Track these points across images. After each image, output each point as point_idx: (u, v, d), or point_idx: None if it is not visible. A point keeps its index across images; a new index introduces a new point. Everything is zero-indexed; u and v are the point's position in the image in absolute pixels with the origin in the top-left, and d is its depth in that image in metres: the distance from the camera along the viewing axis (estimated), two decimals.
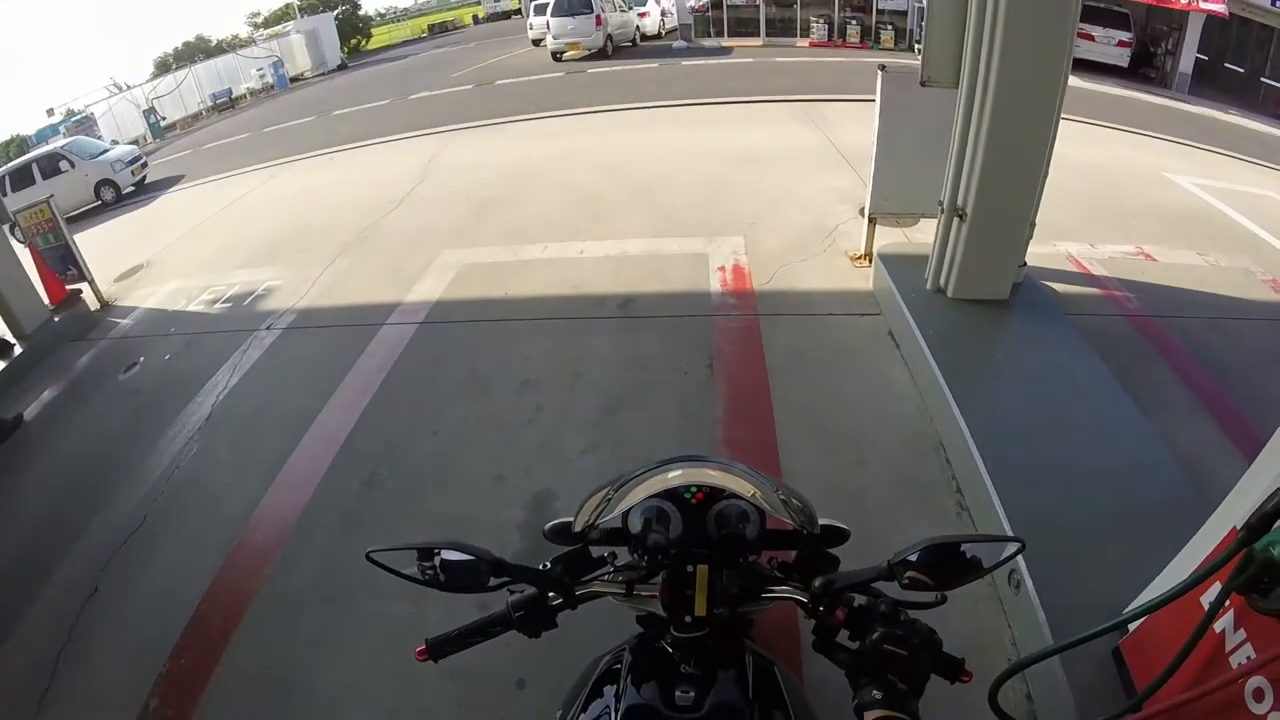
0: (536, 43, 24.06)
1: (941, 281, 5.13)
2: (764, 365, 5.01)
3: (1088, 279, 6.44)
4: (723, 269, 6.43)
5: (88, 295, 7.55)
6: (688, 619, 1.42)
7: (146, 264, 8.73)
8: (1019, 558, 3.03)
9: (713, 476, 1.54)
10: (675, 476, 1.52)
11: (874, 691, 1.27)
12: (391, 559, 1.45)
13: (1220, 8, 20.88)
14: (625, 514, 1.51)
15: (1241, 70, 23.60)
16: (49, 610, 3.73)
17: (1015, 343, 4.92)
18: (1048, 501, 3.40)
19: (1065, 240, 7.08)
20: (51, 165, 15.86)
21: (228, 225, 9.39)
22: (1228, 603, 1.84)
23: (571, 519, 1.63)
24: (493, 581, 1.46)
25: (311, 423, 4.84)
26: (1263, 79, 22.51)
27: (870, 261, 6.12)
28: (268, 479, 4.37)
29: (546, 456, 4.30)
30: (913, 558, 1.41)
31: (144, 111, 26.53)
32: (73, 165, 15.68)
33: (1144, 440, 3.92)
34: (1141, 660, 2.40)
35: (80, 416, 5.59)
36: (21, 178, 15.76)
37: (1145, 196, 9.07)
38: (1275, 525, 1.61)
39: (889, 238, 6.31)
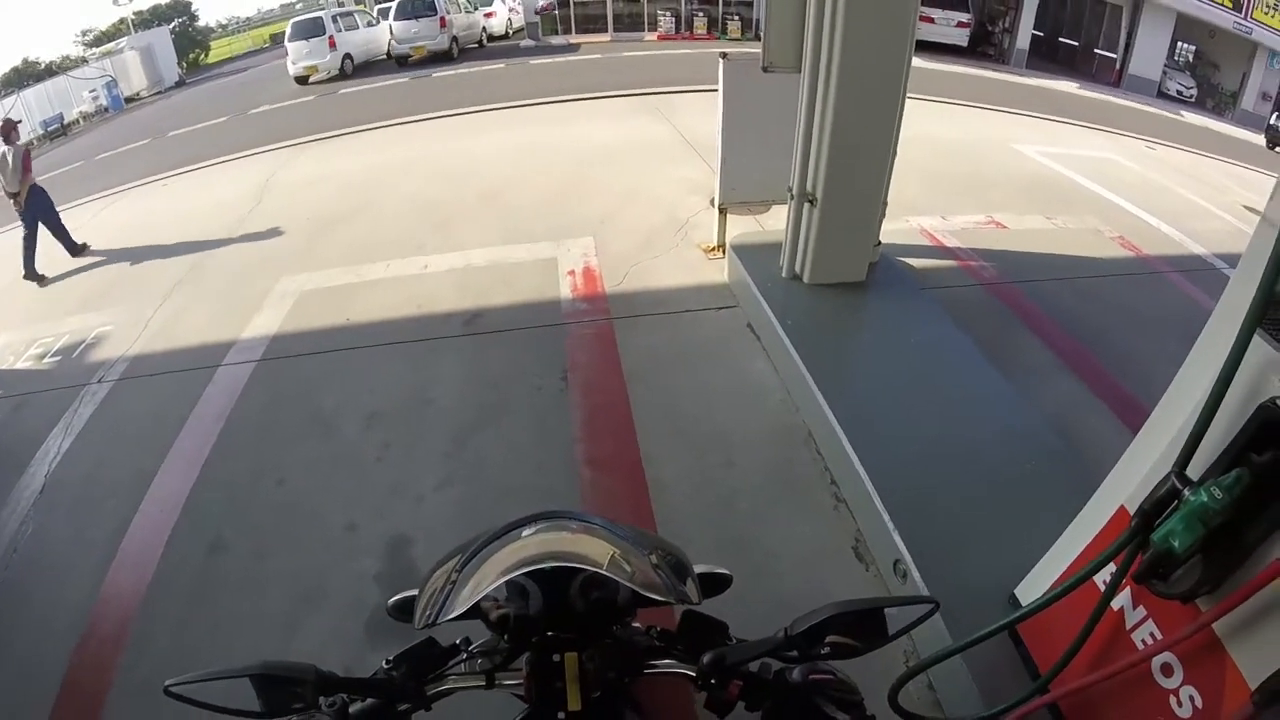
0: (301, 80, 20.71)
1: (797, 268, 5.12)
2: (620, 371, 4.89)
3: (942, 251, 6.58)
4: (573, 273, 6.29)
5: None
6: (561, 715, 1.24)
7: None
8: (900, 542, 3.03)
9: (571, 544, 1.33)
10: (531, 544, 1.29)
11: None
12: (196, 690, 1.14)
13: None
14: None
15: (1076, 44, 25.29)
16: None
17: (876, 323, 4.96)
18: (925, 482, 3.38)
19: (917, 215, 7.25)
20: None
21: (53, 267, 8.67)
22: (1123, 582, 1.87)
23: (416, 593, 1.38)
24: (323, 701, 1.19)
25: (150, 484, 4.40)
26: (1096, 50, 24.19)
27: (724, 253, 6.08)
28: (109, 554, 3.92)
29: (398, 497, 4.03)
30: (815, 624, 1.20)
31: None
32: None
33: (1014, 407, 4.00)
34: (1041, 641, 2.38)
35: None
36: None
37: (993, 167, 9.46)
38: (1169, 513, 1.64)
39: (742, 227, 6.30)
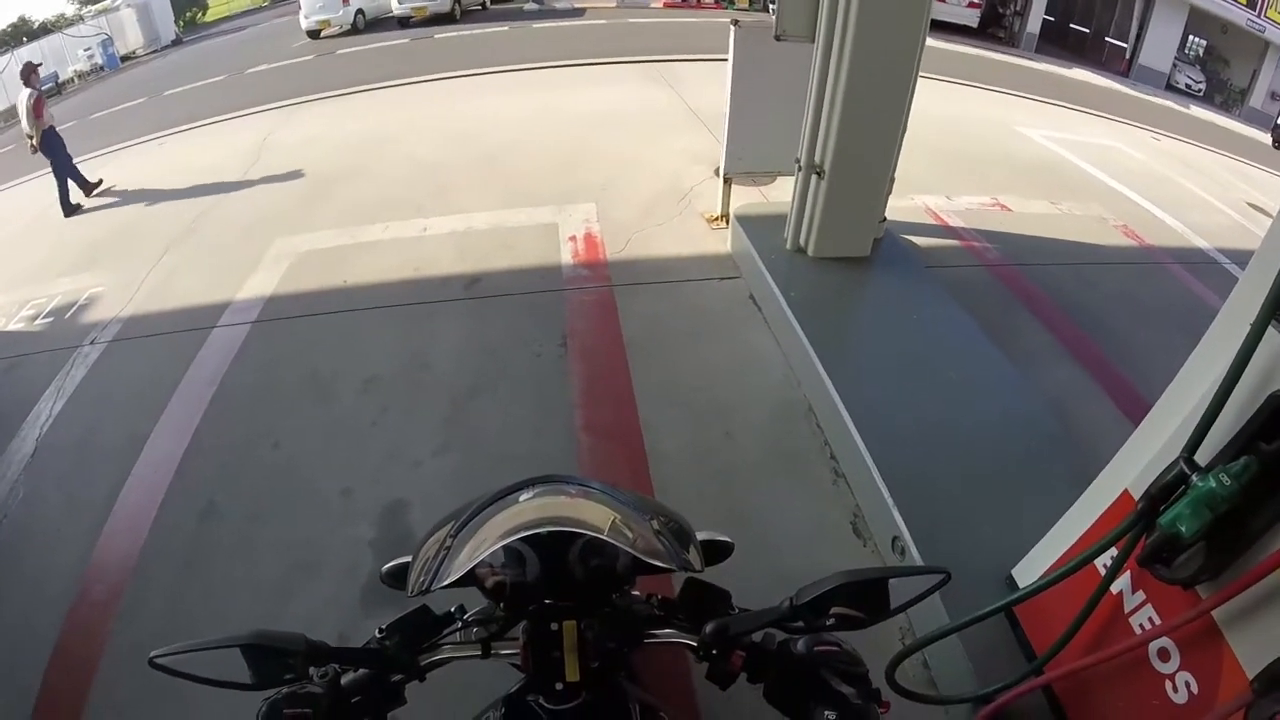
0: (313, 35, 20.81)
1: (801, 241, 5.08)
2: (621, 340, 4.86)
3: (947, 231, 6.57)
4: (574, 239, 6.24)
5: None
6: (559, 685, 1.21)
7: None
8: (899, 519, 3.02)
9: (570, 508, 1.29)
10: (528, 509, 1.26)
11: (826, 712, 1.12)
12: (184, 661, 1.11)
13: None
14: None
15: (1087, 30, 25.20)
16: None
17: (879, 300, 4.93)
18: (925, 460, 3.38)
19: (923, 193, 7.22)
20: None
21: (48, 228, 8.58)
22: (1126, 565, 1.87)
23: (410, 559, 1.36)
24: (313, 671, 1.17)
25: (142, 448, 4.36)
26: (1106, 38, 24.05)
27: (727, 223, 6.04)
28: (101, 519, 3.89)
29: (395, 462, 4.00)
30: (820, 595, 1.19)
31: None
32: None
33: (1015, 389, 4.00)
34: (1037, 622, 2.39)
35: None
36: None
37: (999, 149, 9.45)
38: (1175, 497, 1.64)
39: (746, 198, 6.24)
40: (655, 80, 12.16)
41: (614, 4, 23.86)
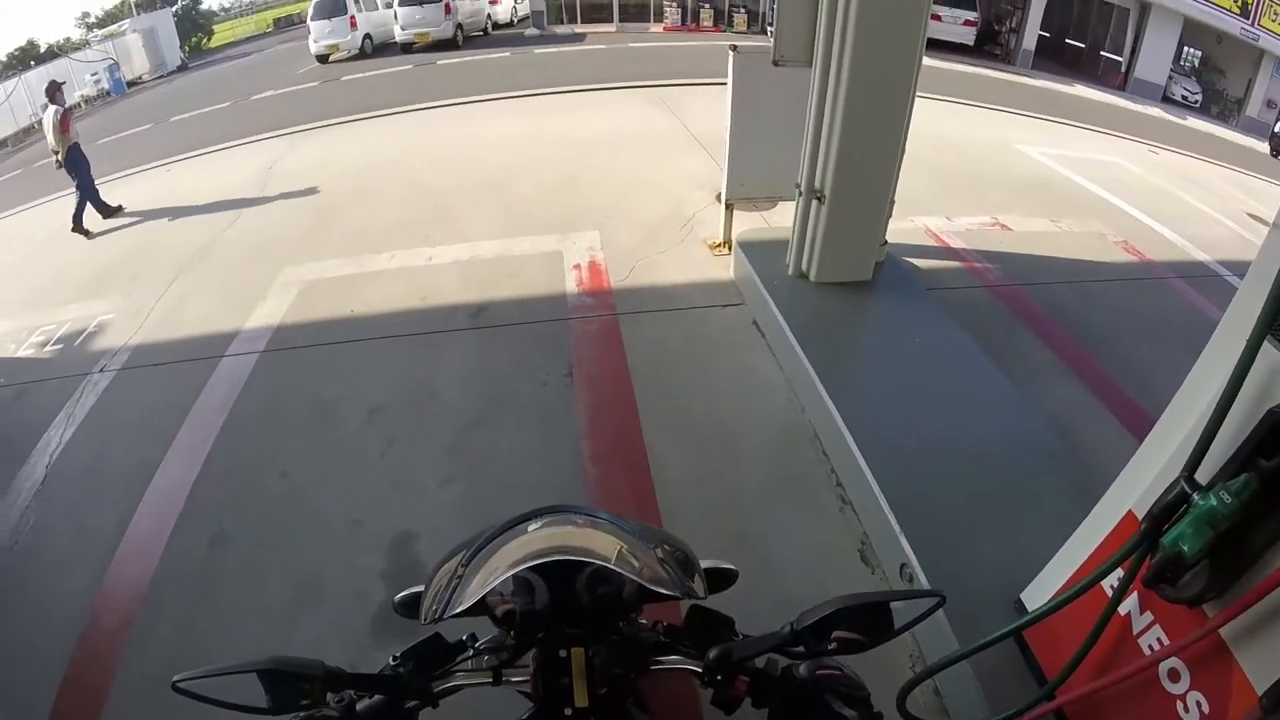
0: (322, 59, 21.42)
1: (803, 266, 5.11)
2: (626, 368, 4.87)
3: (947, 252, 6.60)
4: (578, 267, 6.27)
5: None
6: (568, 711, 1.24)
7: None
8: (906, 545, 3.03)
9: (578, 538, 1.33)
10: (537, 538, 1.29)
11: None
12: (206, 686, 1.14)
13: None
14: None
15: (1082, 45, 25.36)
16: None
17: (882, 323, 4.95)
18: (930, 484, 3.38)
19: (923, 215, 7.26)
20: None
21: (56, 255, 8.60)
22: (1132, 586, 1.88)
23: (422, 589, 1.39)
24: (330, 697, 1.20)
25: (152, 476, 4.38)
26: (1102, 53, 24.19)
27: (730, 249, 6.06)
28: (111, 546, 3.91)
29: (403, 492, 4.01)
30: (821, 619, 1.21)
31: None
32: None
33: (1018, 410, 4.01)
34: (1047, 646, 2.38)
35: None
36: None
37: (997, 168, 9.49)
38: (1177, 517, 1.64)
39: (747, 223, 6.30)
40: (656, 104, 12.29)
41: (614, 29, 24.25)
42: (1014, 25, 24.45)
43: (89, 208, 9.14)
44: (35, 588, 3.81)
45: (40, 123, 11.30)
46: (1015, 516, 3.15)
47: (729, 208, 6.16)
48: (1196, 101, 23.08)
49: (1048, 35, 24.60)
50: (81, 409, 5.23)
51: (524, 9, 26.09)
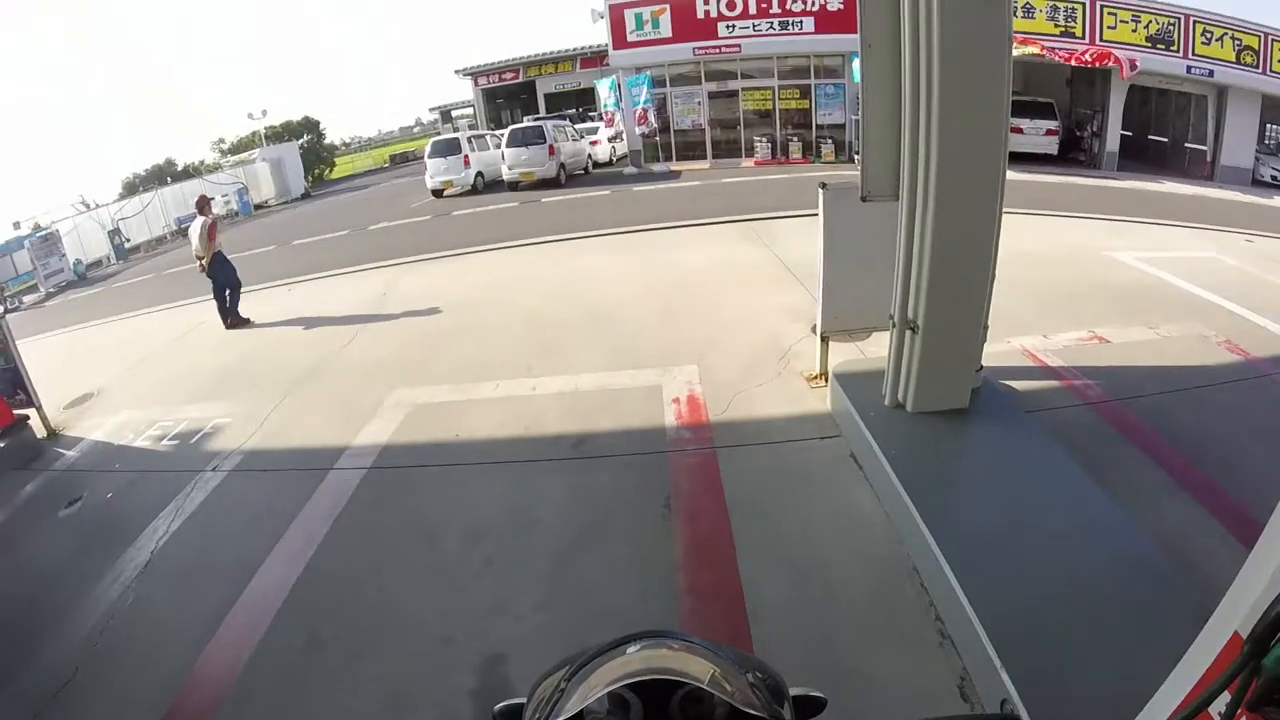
0: (437, 194, 23.17)
1: (900, 396, 5.09)
2: (724, 500, 4.85)
3: (1045, 372, 6.48)
4: (677, 400, 6.34)
5: (35, 422, 7.30)
6: None
7: (97, 392, 8.46)
8: (1007, 679, 2.91)
9: (674, 660, 1.34)
10: (635, 659, 1.32)
11: None
12: None
13: (1127, 61, 21.82)
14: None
15: (1165, 140, 25.04)
16: None
17: (980, 450, 4.87)
18: (1033, 615, 3.27)
19: (1019, 335, 7.15)
20: None
21: (180, 355, 9.26)
22: (1239, 711, 1.70)
23: (524, 700, 1.42)
24: None
25: (254, 574, 4.57)
26: (1186, 144, 23.81)
27: (826, 381, 6.08)
28: (206, 634, 4.06)
29: (498, 614, 4.03)
30: None
31: (109, 232, 25.81)
32: None
33: (1125, 532, 3.86)
34: None
35: (18, 553, 5.36)
36: None
37: (1091, 278, 9.31)
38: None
39: (843, 353, 6.31)
40: (750, 238, 12.55)
41: (707, 165, 25.02)
42: (1095, 129, 24.17)
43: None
44: (126, 664, 3.97)
45: (187, 231, 12.72)
46: (1125, 644, 3.01)
47: (824, 340, 6.21)
48: None
49: (1130, 134, 24.21)
50: (191, 503, 5.53)
51: (622, 149, 27.17)
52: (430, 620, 4.04)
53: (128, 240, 26.29)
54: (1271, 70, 22.09)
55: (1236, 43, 22.17)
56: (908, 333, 4.86)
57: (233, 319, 10.20)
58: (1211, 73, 22.26)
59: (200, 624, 4.15)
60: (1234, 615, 1.99)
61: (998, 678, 2.99)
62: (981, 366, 5.20)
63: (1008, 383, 5.80)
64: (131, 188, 39.86)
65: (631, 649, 1.37)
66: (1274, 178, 22.28)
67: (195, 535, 5.15)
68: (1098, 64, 22.04)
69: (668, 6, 24.65)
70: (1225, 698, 1.80)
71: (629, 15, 24.98)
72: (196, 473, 5.96)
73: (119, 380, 8.85)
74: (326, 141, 49.86)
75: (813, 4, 23.99)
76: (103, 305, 15.01)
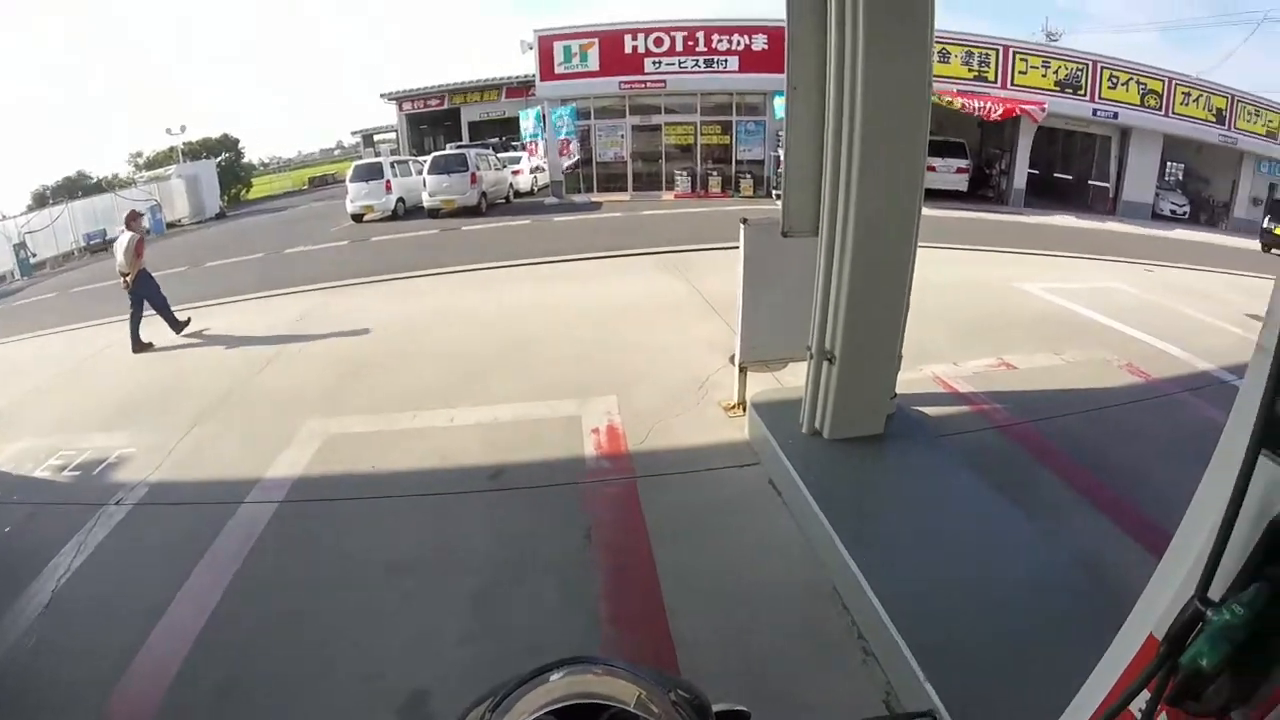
0: (357, 218, 22.93)
1: (817, 424, 5.23)
2: (645, 530, 4.88)
3: (956, 397, 6.74)
4: (596, 431, 6.36)
5: None
6: None
7: None
8: (932, 692, 2.99)
9: (598, 684, 1.34)
10: (559, 685, 1.31)
11: None
12: None
13: (1035, 108, 22.83)
14: None
15: (1070, 177, 26.46)
16: None
17: (896, 474, 5.05)
18: (954, 631, 3.37)
19: (931, 363, 7.43)
20: None
21: (85, 379, 8.87)
22: (1159, 708, 1.82)
23: None
24: None
25: (161, 616, 4.34)
26: (1090, 181, 25.31)
27: (744, 410, 6.19)
28: (111, 681, 3.84)
29: (418, 649, 3.96)
30: None
31: (14, 246, 24.36)
32: None
33: (1037, 547, 4.07)
34: None
35: None
36: None
37: (999, 309, 9.80)
38: (1194, 634, 1.62)
39: (760, 383, 6.43)
40: (669, 269, 12.78)
41: (628, 197, 25.49)
42: (1004, 167, 25.48)
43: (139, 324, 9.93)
44: (29, 712, 3.76)
45: (111, 247, 12.59)
46: (1043, 655, 3.10)
47: (743, 370, 6.31)
48: (1184, 213, 24.12)
49: (1036, 172, 25.62)
50: (94, 538, 5.25)
51: (544, 179, 27.51)
52: (349, 658, 3.93)
53: (34, 255, 24.97)
54: (1174, 112, 23.65)
55: (1141, 87, 23.74)
56: (825, 363, 5.01)
57: (175, 328, 10.18)
58: (1116, 115, 23.90)
59: (105, 671, 3.92)
60: (1148, 618, 2.07)
61: (922, 690, 3.07)
62: (895, 394, 5.37)
63: (920, 409, 5.97)
64: (41, 199, 38.46)
65: (554, 676, 1.38)
66: (1173, 212, 23.93)
67: (99, 573, 4.88)
68: (1005, 119, 23.34)
69: (596, 41, 25.13)
70: (1145, 696, 1.89)
71: (558, 47, 25.35)
72: (100, 505, 5.67)
73: (18, 405, 8.38)
74: (245, 160, 48.83)
75: (738, 44, 24.76)
76: (3, 324, 14.26)
